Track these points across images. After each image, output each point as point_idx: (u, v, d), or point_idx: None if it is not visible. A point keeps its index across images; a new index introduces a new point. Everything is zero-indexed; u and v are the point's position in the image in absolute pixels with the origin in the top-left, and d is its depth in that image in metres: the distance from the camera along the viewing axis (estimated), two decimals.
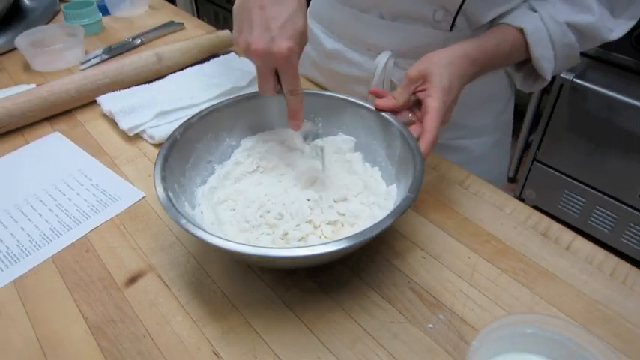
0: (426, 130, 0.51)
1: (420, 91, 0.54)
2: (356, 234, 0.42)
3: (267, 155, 0.61)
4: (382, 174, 0.58)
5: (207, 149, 0.59)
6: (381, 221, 0.43)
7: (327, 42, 0.75)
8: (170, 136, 0.54)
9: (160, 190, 0.47)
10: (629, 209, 1.49)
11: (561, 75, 1.42)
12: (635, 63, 1.32)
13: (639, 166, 1.40)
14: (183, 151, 0.55)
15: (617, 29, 0.61)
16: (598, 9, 0.59)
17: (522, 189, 1.75)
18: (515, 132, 1.84)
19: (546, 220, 0.57)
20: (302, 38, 0.50)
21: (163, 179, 0.48)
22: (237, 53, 0.90)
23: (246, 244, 0.41)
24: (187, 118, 0.57)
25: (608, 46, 1.34)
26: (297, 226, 0.51)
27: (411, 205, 0.45)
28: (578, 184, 1.58)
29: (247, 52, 0.49)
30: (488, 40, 0.59)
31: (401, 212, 0.44)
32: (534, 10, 0.60)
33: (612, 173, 1.48)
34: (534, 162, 1.67)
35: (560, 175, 1.62)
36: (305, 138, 0.59)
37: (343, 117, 0.60)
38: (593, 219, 1.59)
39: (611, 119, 1.40)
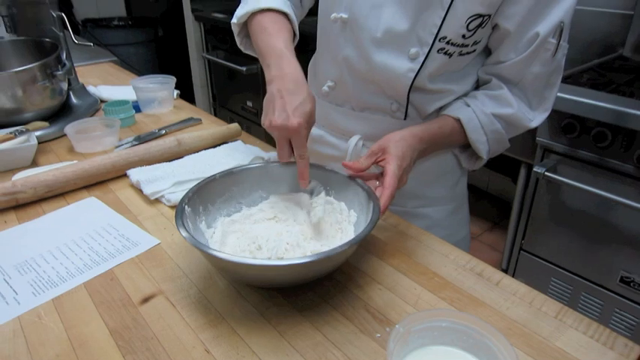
0: (385, 187, 0.66)
1: (381, 160, 0.70)
2: (300, 257, 0.55)
3: (286, 210, 0.76)
4: None
5: (242, 194, 0.75)
6: (328, 250, 0.57)
7: (313, 130, 0.94)
8: (211, 175, 0.71)
9: (184, 201, 0.64)
10: (613, 295, 1.55)
11: (535, 169, 1.58)
12: (599, 158, 1.48)
13: (616, 252, 1.49)
14: (219, 187, 0.72)
15: (535, 119, 0.79)
16: (517, 103, 0.77)
17: (513, 277, 1.83)
18: (504, 225, 1.98)
19: (482, 264, 0.70)
20: (310, 117, 0.67)
21: (189, 197, 0.65)
22: (242, 141, 1.09)
23: (213, 249, 0.57)
24: (230, 168, 0.74)
25: (575, 144, 1.53)
26: (269, 258, 0.65)
27: (359, 242, 0.59)
28: (563, 271, 1.65)
29: (270, 127, 0.66)
30: (433, 124, 0.78)
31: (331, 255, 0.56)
32: (468, 105, 0.79)
33: (593, 260, 1.56)
34: (521, 251, 1.77)
35: (545, 263, 1.70)
36: (311, 193, 0.75)
37: (347, 191, 0.73)
38: (581, 305, 1.64)
39: (584, 209, 1.52)
